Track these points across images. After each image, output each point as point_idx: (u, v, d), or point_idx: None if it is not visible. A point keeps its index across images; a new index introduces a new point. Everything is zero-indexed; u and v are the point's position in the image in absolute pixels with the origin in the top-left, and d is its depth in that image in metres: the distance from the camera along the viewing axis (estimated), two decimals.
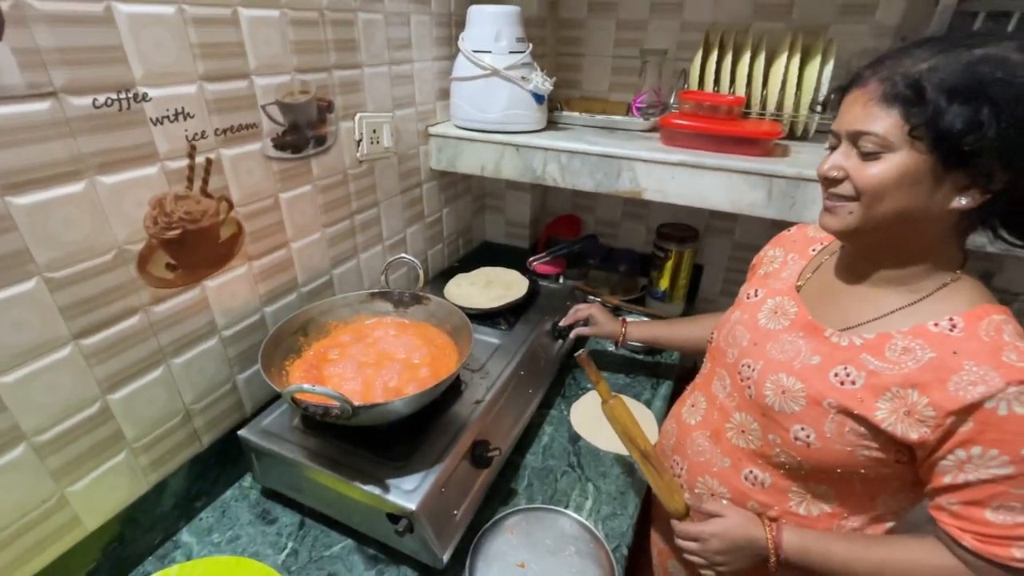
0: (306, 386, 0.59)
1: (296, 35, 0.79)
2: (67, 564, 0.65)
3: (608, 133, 1.16)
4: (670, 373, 1.16)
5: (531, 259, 1.25)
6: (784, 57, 1.02)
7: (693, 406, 0.79)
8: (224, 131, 0.72)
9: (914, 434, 0.53)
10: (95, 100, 0.57)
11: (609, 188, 1.04)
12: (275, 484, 0.83)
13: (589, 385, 1.12)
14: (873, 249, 0.60)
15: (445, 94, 1.18)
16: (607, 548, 0.76)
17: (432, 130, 1.17)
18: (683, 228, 1.34)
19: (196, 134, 0.68)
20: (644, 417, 1.03)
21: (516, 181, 1.14)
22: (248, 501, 0.84)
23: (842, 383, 0.57)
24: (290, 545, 0.78)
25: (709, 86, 1.09)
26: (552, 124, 1.21)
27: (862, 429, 0.56)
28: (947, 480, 0.54)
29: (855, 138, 0.54)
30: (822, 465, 0.60)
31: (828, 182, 0.58)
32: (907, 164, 0.51)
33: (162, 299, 0.69)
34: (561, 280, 1.32)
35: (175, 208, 0.68)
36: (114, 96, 0.58)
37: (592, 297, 1.37)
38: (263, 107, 0.77)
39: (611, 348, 1.23)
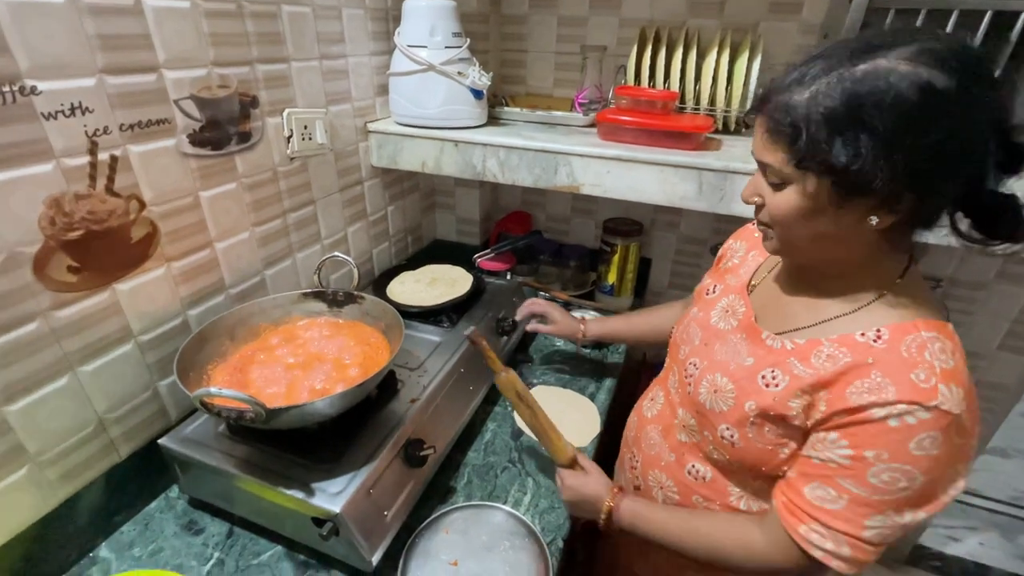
0: (213, 389, 0.57)
1: (212, 27, 0.76)
2: None
3: (549, 128, 1.16)
4: (615, 371, 1.17)
5: (476, 255, 1.25)
6: (715, 53, 1.04)
7: (652, 400, 0.80)
8: (131, 126, 0.68)
9: (802, 424, 0.55)
10: None
11: (548, 183, 1.05)
12: (202, 494, 0.80)
13: (536, 380, 1.13)
14: (808, 265, 0.61)
15: (384, 90, 1.16)
16: (542, 541, 0.76)
17: (371, 126, 1.15)
18: (628, 222, 1.36)
19: (97, 130, 0.65)
20: (586, 409, 1.04)
21: (464, 178, 1.13)
22: (174, 512, 0.81)
23: (767, 385, 0.58)
24: (216, 555, 0.75)
25: (645, 81, 1.11)
26: (494, 120, 1.21)
27: (780, 429, 0.58)
28: (801, 452, 0.57)
29: (761, 167, 0.55)
30: (746, 463, 0.62)
31: (754, 208, 0.58)
32: (805, 195, 0.51)
33: (65, 304, 0.65)
34: (509, 276, 1.32)
35: (76, 208, 0.64)
36: None
37: (542, 293, 1.38)
38: (176, 102, 0.74)
39: (559, 344, 1.24)
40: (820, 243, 0.54)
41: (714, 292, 0.74)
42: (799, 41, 1.13)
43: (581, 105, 1.22)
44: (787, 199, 0.52)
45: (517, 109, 1.22)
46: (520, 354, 1.20)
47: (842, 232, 0.52)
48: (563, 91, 1.38)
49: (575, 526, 0.85)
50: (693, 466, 0.69)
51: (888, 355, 0.51)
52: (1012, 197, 0.49)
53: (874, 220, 0.49)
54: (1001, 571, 1.74)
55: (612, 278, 1.37)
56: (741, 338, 0.64)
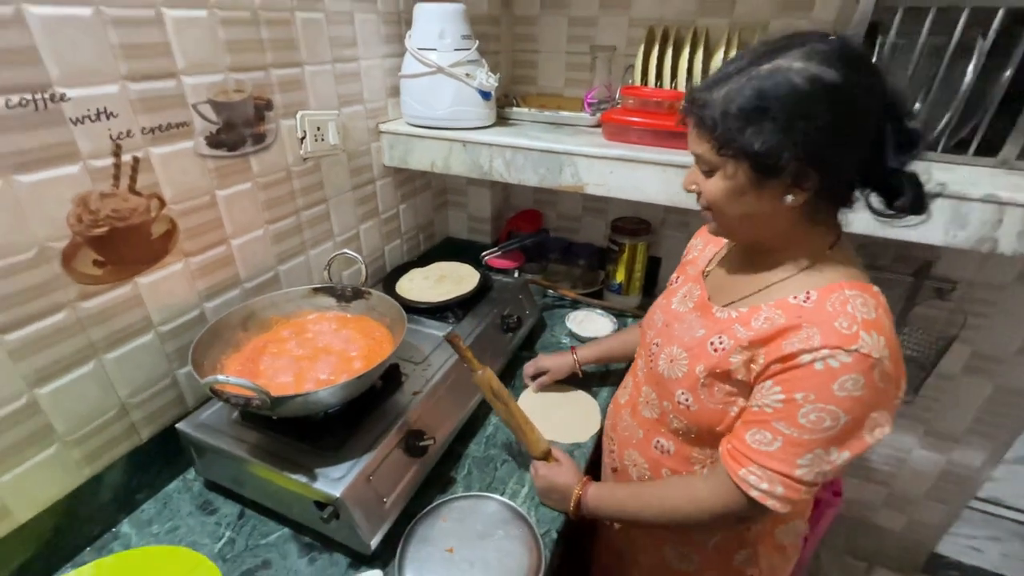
0: (221, 377, 0.61)
1: (228, 35, 0.80)
2: None
3: (556, 129, 1.17)
4: (618, 371, 1.18)
5: (483, 253, 1.27)
6: (722, 52, 1.04)
7: (624, 387, 0.86)
8: (152, 130, 0.73)
9: (745, 378, 0.61)
10: (8, 100, 0.58)
11: (553, 183, 1.06)
12: (216, 476, 0.85)
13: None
14: (748, 244, 0.68)
15: (396, 91, 1.19)
16: (536, 531, 0.79)
17: (383, 127, 1.19)
18: (636, 221, 1.36)
19: (121, 133, 0.69)
20: (587, 405, 1.06)
21: (487, 179, 1.15)
22: (191, 493, 0.86)
23: (716, 350, 0.64)
24: (227, 535, 0.79)
25: (652, 81, 1.11)
26: (503, 120, 1.23)
27: (727, 387, 0.64)
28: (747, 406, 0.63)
29: (695, 158, 0.62)
30: (703, 426, 0.67)
31: (696, 196, 0.65)
32: (729, 178, 0.58)
33: (91, 295, 0.71)
34: (516, 274, 1.34)
35: (101, 206, 0.69)
36: (29, 96, 0.60)
37: (551, 291, 1.39)
38: (194, 106, 0.78)
39: (564, 341, 1.25)
40: (750, 221, 0.61)
41: (677, 282, 0.81)
42: None
43: (590, 105, 1.23)
44: (716, 184, 0.60)
45: (525, 109, 1.24)
46: (526, 351, 1.22)
47: (766, 210, 0.59)
48: (574, 91, 1.39)
49: (571, 519, 0.86)
50: (658, 441, 0.74)
51: (815, 311, 0.57)
52: (913, 175, 0.56)
53: (789, 198, 0.56)
54: None
55: (620, 277, 1.38)
56: (696, 316, 0.71)
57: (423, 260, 1.30)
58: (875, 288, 0.60)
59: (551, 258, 1.52)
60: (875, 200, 0.60)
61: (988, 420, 1.36)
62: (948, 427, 1.41)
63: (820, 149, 0.53)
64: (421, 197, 1.43)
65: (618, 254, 1.36)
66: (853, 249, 0.65)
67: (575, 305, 1.38)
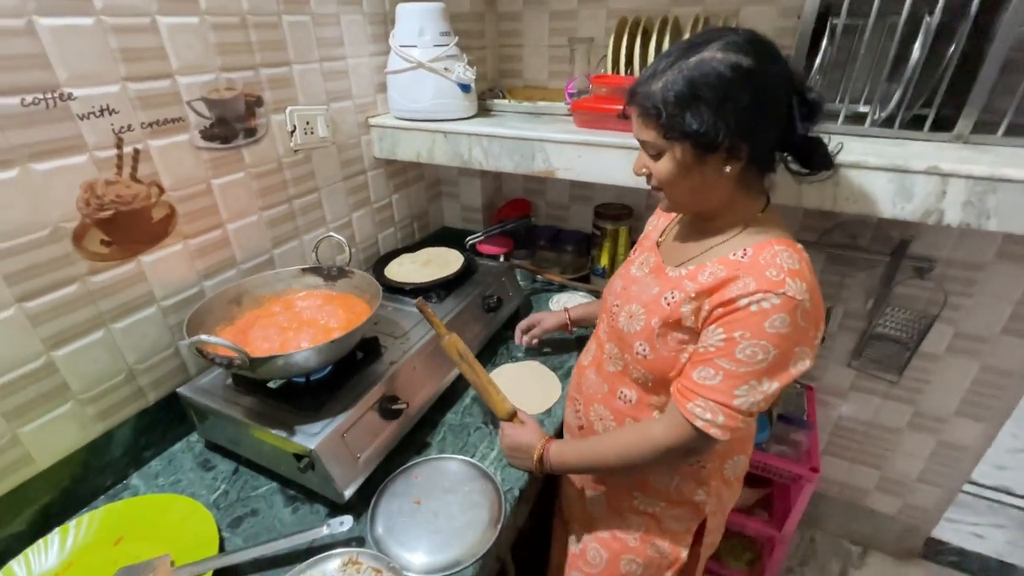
0: (204, 336, 0.69)
1: (218, 38, 0.89)
2: (22, 496, 0.76)
3: (535, 118, 1.23)
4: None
5: (468, 239, 1.34)
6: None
7: (587, 351, 0.93)
8: (150, 124, 0.82)
9: (693, 324, 0.69)
10: (23, 99, 0.68)
11: (527, 169, 1.12)
12: (215, 437, 0.94)
13: (520, 355, 1.21)
14: (695, 214, 0.76)
15: (384, 87, 1.27)
16: (499, 487, 0.85)
17: (372, 121, 1.27)
18: (618, 207, 1.41)
19: (123, 127, 0.79)
20: (549, 379, 1.12)
21: (455, 166, 1.23)
22: (193, 452, 0.96)
23: (668, 304, 0.72)
24: (222, 487, 0.88)
25: (623, 69, 1.16)
26: (485, 112, 1.29)
27: (679, 335, 0.71)
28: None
29: (642, 144, 0.70)
30: (659, 373, 0.75)
31: (646, 178, 0.72)
32: (676, 158, 0.66)
33: (99, 271, 0.80)
34: (502, 259, 1.40)
35: (106, 192, 0.79)
36: (41, 96, 0.69)
37: (539, 277, 1.45)
38: (188, 103, 0.87)
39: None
40: (697, 194, 0.70)
41: (636, 253, 0.87)
42: (779, 24, 1.15)
43: (571, 95, 1.28)
44: (664, 165, 0.67)
45: (506, 101, 1.30)
46: (509, 331, 1.29)
47: (709, 181, 0.67)
48: (557, 82, 1.45)
49: (536, 476, 0.93)
50: (621, 392, 0.81)
51: (751, 263, 0.66)
52: (817, 139, 0.69)
53: (728, 168, 0.65)
54: None
55: (604, 261, 1.43)
56: (652, 277, 0.79)
57: (416, 247, 1.37)
58: (799, 245, 0.68)
59: (540, 245, 1.58)
60: (793, 164, 0.72)
61: (976, 401, 1.36)
62: (936, 408, 1.41)
63: (747, 123, 0.61)
64: (414, 188, 1.50)
65: (601, 239, 1.41)
66: (779, 214, 0.74)
67: (562, 289, 1.43)
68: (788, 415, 1.40)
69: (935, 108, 0.90)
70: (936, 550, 1.72)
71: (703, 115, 0.60)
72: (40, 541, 0.76)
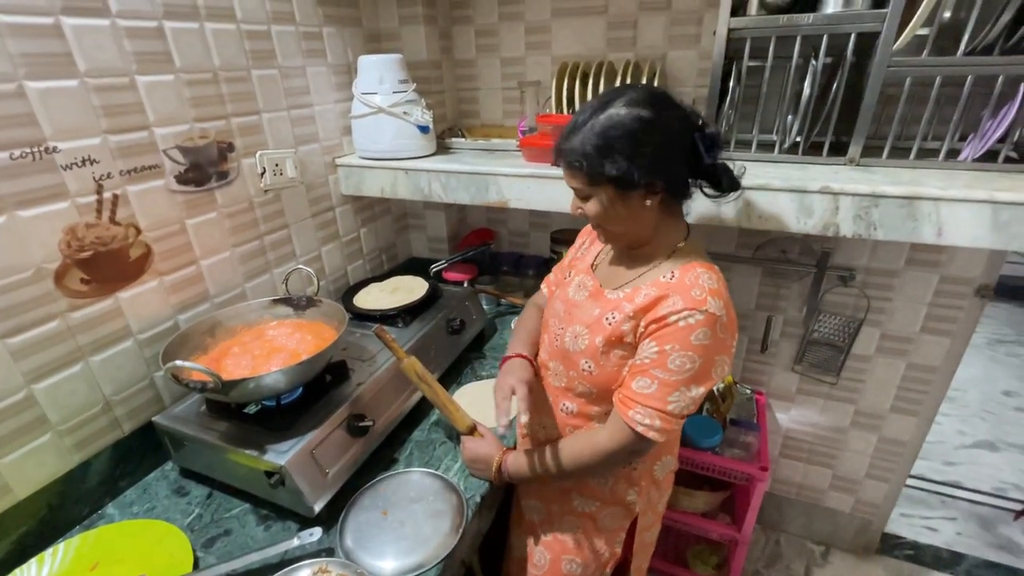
0: (179, 361, 0.75)
1: (192, 92, 0.98)
2: (0, 526, 0.80)
3: (489, 155, 1.34)
4: None
5: (432, 267, 1.43)
6: (619, 78, 1.22)
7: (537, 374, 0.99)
8: (129, 171, 0.90)
9: (632, 340, 0.79)
10: (11, 154, 0.75)
11: (482, 200, 1.23)
12: (189, 463, 0.98)
13: (485, 374, 1.28)
14: (627, 243, 0.85)
15: (349, 130, 1.37)
16: (462, 495, 0.91)
17: (339, 161, 1.36)
18: (572, 232, 1.51)
19: (103, 175, 0.86)
20: None
21: (418, 200, 1.32)
22: (168, 481, 0.99)
23: (609, 323, 0.81)
24: (196, 511, 0.92)
25: (565, 108, 1.28)
26: (444, 150, 1.40)
27: (620, 351, 0.81)
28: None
29: (574, 191, 0.80)
30: (603, 386, 0.84)
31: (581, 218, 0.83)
32: (603, 199, 0.76)
33: (79, 307, 0.86)
34: (465, 284, 1.49)
35: (86, 234, 0.85)
36: (28, 150, 0.76)
37: (503, 300, 1.54)
38: (164, 151, 0.95)
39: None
40: (627, 226, 0.80)
41: (570, 276, 0.96)
42: (701, 65, 1.30)
43: (523, 132, 1.40)
44: (594, 206, 0.78)
45: (464, 139, 1.41)
46: (474, 352, 1.37)
47: (635, 215, 0.77)
48: (511, 121, 1.57)
49: (495, 485, 0.99)
50: (564, 404, 0.91)
51: (678, 284, 0.76)
52: (724, 165, 0.79)
53: (648, 202, 0.75)
54: (976, 559, 1.75)
55: None
56: (592, 301, 0.87)
57: (384, 277, 1.45)
58: (716, 267, 0.80)
59: (503, 270, 1.67)
60: (707, 188, 0.82)
61: (907, 397, 1.48)
62: (873, 406, 1.53)
63: (656, 163, 0.72)
64: (381, 221, 1.59)
65: (557, 262, 1.51)
66: (700, 240, 0.86)
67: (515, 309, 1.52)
68: (739, 420, 1.49)
69: (828, 136, 1.04)
70: (892, 544, 1.81)
71: (618, 162, 0.71)
72: (17, 570, 0.79)
